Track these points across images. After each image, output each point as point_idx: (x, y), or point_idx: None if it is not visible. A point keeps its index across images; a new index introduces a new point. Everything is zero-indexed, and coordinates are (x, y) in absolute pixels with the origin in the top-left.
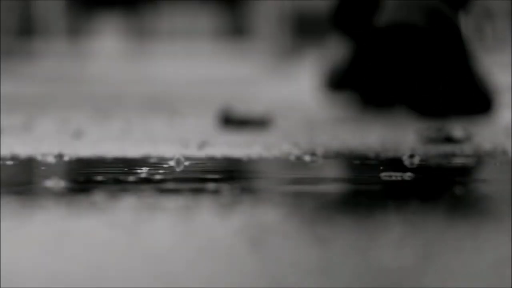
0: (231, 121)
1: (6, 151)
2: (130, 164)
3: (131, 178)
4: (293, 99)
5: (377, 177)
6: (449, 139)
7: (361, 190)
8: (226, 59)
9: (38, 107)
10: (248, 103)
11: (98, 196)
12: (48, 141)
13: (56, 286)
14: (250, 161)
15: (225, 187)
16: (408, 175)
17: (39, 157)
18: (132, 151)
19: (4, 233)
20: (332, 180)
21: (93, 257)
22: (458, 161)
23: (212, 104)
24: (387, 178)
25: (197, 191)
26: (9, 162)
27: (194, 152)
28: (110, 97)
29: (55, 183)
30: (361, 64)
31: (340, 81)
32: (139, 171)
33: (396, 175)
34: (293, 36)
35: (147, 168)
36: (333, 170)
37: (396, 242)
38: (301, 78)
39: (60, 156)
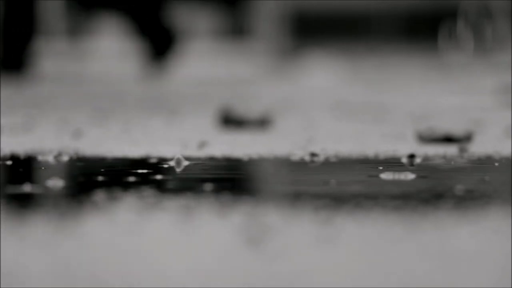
0: (231, 121)
1: (6, 151)
2: (130, 164)
3: (131, 178)
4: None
5: (377, 177)
6: (449, 139)
7: (361, 189)
8: (226, 59)
9: (38, 107)
10: (248, 103)
11: (98, 196)
12: (48, 141)
13: (56, 286)
14: (250, 161)
15: (225, 187)
16: (408, 175)
17: (39, 157)
18: (132, 151)
19: (4, 233)
20: (332, 180)
21: (93, 257)
22: (458, 161)
23: (212, 104)
24: (387, 178)
25: (197, 191)
26: (9, 162)
27: (194, 152)
28: (110, 97)
29: (55, 183)
30: None
31: None
32: (139, 171)
33: (396, 175)
34: (293, 36)
35: (147, 168)
36: (333, 170)
37: (397, 242)
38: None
39: (60, 156)
